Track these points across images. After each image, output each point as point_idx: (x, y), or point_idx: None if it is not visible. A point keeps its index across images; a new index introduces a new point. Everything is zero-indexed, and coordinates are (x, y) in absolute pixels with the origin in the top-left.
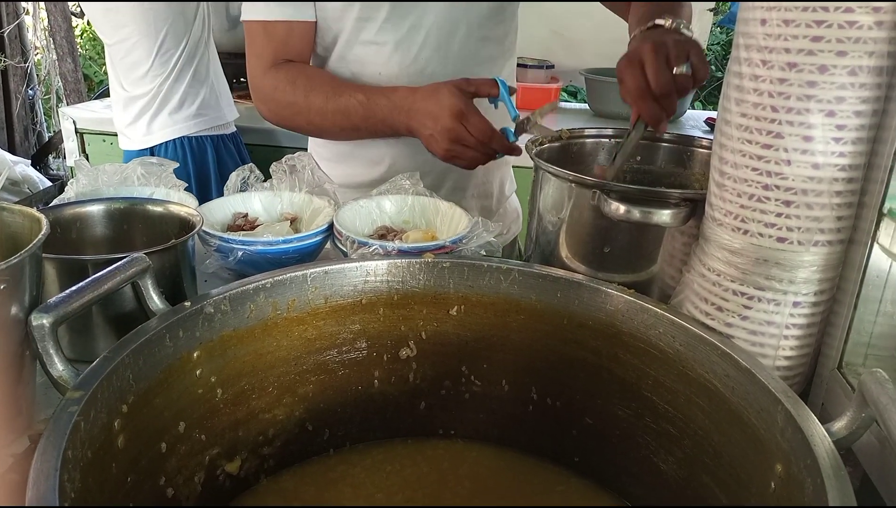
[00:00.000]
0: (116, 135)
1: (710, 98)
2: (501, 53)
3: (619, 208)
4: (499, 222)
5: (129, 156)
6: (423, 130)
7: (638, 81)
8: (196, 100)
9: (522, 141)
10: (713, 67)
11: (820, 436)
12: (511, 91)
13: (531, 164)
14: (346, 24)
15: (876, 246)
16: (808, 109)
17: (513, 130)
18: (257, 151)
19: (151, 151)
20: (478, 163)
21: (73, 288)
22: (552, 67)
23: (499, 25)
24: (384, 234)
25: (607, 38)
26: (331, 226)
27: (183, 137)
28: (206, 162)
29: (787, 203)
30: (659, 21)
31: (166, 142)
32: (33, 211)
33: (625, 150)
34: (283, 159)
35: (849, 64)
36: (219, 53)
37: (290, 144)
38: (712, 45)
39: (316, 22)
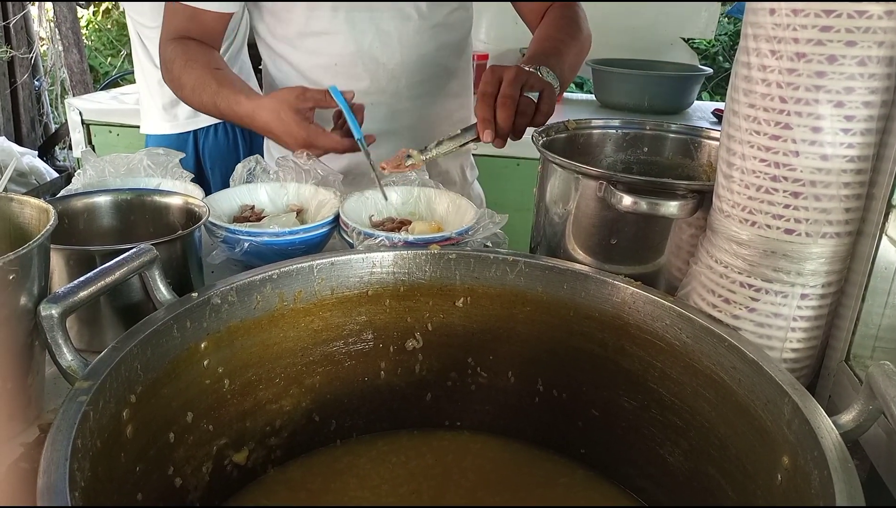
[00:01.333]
0: (123, 126)
1: (718, 89)
2: (459, 39)
3: (626, 200)
4: (505, 215)
5: (162, 141)
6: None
7: (489, 85)
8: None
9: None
10: (720, 58)
11: (827, 428)
12: (350, 102)
13: (536, 155)
14: (297, 15)
15: (884, 238)
16: (817, 100)
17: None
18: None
19: (195, 134)
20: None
21: (81, 279)
22: None
23: (453, 13)
24: (393, 228)
25: (614, 29)
26: (337, 217)
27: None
28: (257, 144)
29: (796, 195)
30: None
31: (216, 124)
32: (41, 202)
33: (444, 144)
34: (288, 153)
35: (858, 54)
36: None
37: None
38: (720, 35)
39: (229, 14)
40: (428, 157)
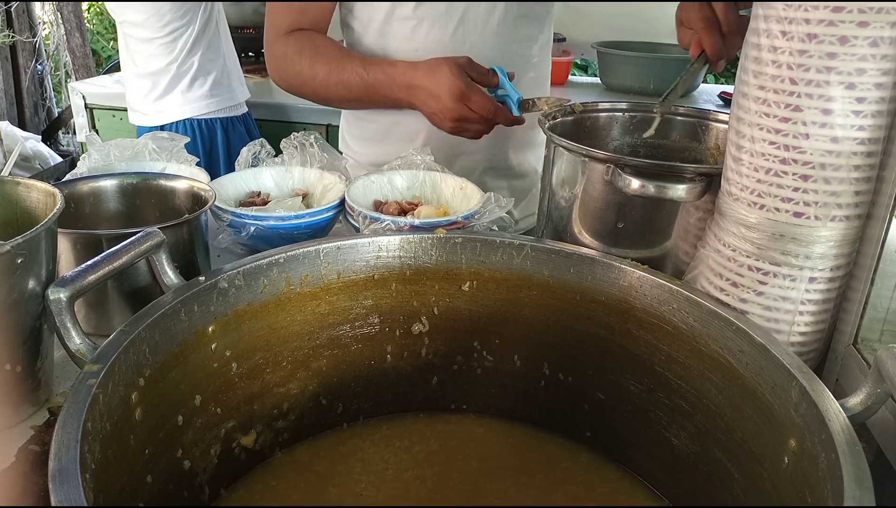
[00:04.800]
0: (126, 110)
1: (724, 72)
2: (540, 31)
3: (633, 183)
4: (511, 199)
5: (142, 131)
6: (425, 107)
7: (706, 13)
8: (208, 80)
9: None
10: None
11: (834, 411)
12: (510, 77)
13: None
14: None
15: (894, 221)
16: (828, 82)
17: (516, 106)
18: (267, 127)
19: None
20: (483, 134)
21: (89, 262)
22: (563, 40)
23: (537, 4)
24: (399, 212)
25: (619, 11)
26: (342, 201)
27: (193, 118)
28: (215, 144)
29: (805, 177)
30: None
31: (176, 122)
32: (48, 186)
33: (684, 81)
34: (292, 137)
35: (870, 35)
36: None
37: (301, 120)
38: None
39: (334, 2)
40: (672, 100)
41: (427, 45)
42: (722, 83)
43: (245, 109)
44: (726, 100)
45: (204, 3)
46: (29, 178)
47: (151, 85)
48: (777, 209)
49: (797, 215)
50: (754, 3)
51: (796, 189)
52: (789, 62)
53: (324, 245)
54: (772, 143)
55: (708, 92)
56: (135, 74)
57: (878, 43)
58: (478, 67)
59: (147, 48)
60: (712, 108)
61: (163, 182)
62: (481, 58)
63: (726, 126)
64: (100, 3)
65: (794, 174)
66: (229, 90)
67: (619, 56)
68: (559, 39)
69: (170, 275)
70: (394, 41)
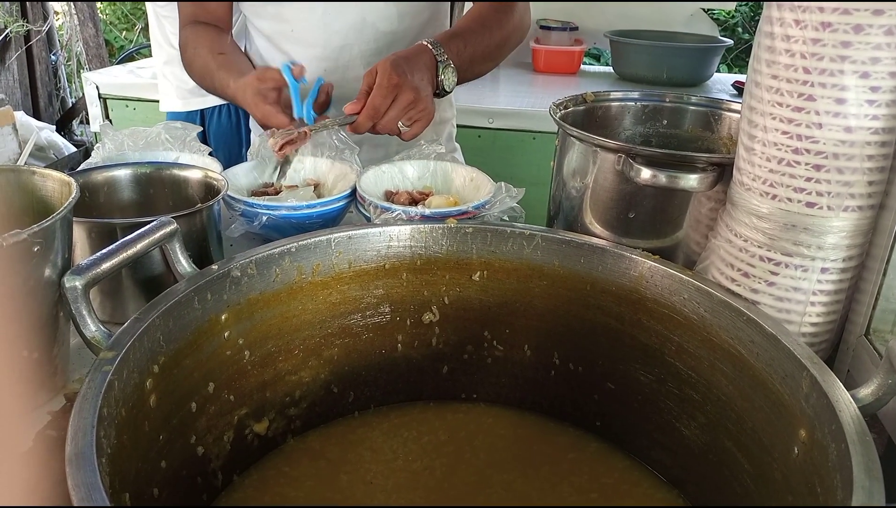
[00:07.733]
0: (139, 100)
1: (737, 61)
2: (418, 11)
3: (644, 173)
4: (522, 189)
5: (176, 119)
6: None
7: (369, 81)
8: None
9: None
10: (740, 30)
11: (845, 402)
12: (299, 77)
13: (553, 128)
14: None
15: None
16: (842, 71)
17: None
18: None
19: (202, 114)
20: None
21: (104, 251)
22: (576, 28)
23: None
24: (410, 202)
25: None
26: (354, 191)
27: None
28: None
29: (818, 167)
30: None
31: (220, 106)
32: (63, 175)
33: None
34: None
35: (885, 23)
36: None
37: None
38: (740, 6)
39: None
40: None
41: (300, 24)
42: (736, 73)
43: None
44: (740, 89)
45: None
46: (44, 167)
47: None
48: (789, 199)
49: (810, 205)
50: None
51: (809, 179)
52: (803, 51)
53: (335, 235)
54: (784, 132)
55: (722, 81)
56: (174, 58)
57: (894, 31)
58: (272, 75)
59: None
60: (726, 97)
61: (176, 172)
62: (353, 37)
63: (739, 116)
64: None
65: (806, 164)
66: None
67: (632, 45)
68: (572, 28)
69: (183, 264)
70: (273, 22)
